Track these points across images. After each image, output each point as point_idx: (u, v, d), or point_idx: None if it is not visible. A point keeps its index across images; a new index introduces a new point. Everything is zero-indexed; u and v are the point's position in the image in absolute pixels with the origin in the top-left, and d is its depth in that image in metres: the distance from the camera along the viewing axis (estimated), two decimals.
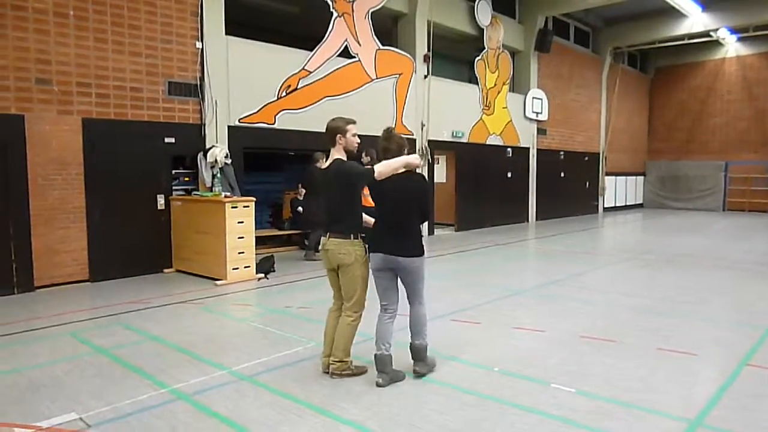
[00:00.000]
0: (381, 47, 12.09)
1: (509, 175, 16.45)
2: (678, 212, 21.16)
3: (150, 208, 8.61)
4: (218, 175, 8.88)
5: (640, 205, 23.58)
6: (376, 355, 4.15)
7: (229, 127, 9.48)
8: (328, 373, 4.32)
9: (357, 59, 11.57)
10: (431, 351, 4.38)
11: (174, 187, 8.97)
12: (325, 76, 10.95)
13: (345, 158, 4.28)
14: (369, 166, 4.18)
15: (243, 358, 4.74)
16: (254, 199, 8.36)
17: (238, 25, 9.81)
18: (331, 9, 10.94)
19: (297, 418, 3.62)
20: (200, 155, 9.01)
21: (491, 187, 15.63)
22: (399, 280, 4.26)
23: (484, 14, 14.67)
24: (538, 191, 17.58)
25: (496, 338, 5.39)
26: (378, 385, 4.10)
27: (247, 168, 10.06)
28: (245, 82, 9.67)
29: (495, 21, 15.18)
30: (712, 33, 18.78)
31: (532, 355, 4.84)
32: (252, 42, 9.86)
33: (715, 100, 21.83)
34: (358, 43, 11.54)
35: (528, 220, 17.37)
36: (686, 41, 19.32)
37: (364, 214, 4.35)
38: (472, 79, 15.18)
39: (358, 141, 4.31)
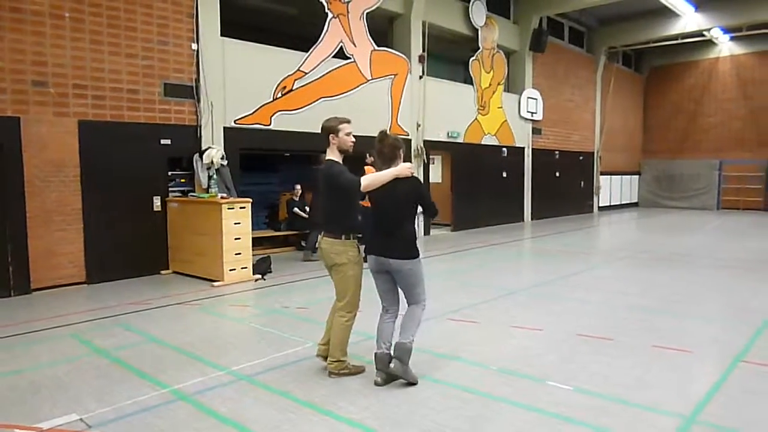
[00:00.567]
0: (376, 48, 12.13)
1: (504, 174, 16.52)
2: (673, 211, 21.28)
3: (146, 210, 8.62)
4: (214, 176, 8.88)
5: (635, 204, 23.70)
6: (375, 354, 4.18)
7: (225, 128, 9.50)
8: (322, 357, 4.41)
9: (352, 60, 11.60)
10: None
11: (170, 189, 8.97)
12: (320, 77, 10.98)
13: (339, 158, 4.29)
14: (358, 175, 4.14)
15: (242, 359, 4.76)
16: (251, 200, 8.38)
17: (234, 25, 9.82)
18: (327, 10, 10.96)
19: (297, 417, 3.64)
20: (196, 156, 9.02)
21: (487, 187, 15.69)
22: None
23: (479, 15, 14.73)
24: (533, 191, 17.65)
25: (494, 337, 5.43)
26: (376, 383, 4.13)
27: (242, 169, 10.08)
28: (241, 83, 9.69)
29: (490, 21, 15.24)
30: (705, 32, 18.93)
31: (529, 354, 4.88)
32: (247, 43, 9.88)
33: (710, 100, 21.98)
34: (353, 43, 11.57)
35: (523, 220, 17.43)
36: (680, 41, 19.45)
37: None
38: (467, 80, 15.23)
39: (353, 140, 4.30)
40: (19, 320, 6.09)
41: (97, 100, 7.95)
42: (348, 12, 11.37)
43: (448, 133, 14.32)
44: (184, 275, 8.54)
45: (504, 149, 16.43)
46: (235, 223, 8.03)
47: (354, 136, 4.33)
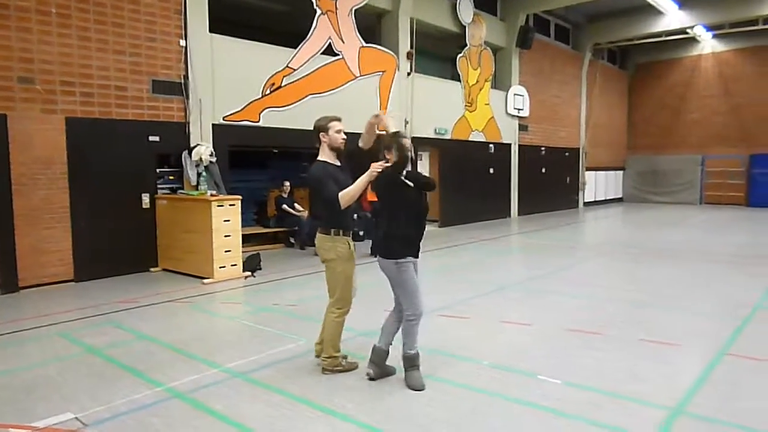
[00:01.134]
0: (364, 44, 12.13)
1: (492, 170, 16.62)
2: (657, 206, 21.55)
3: (135, 207, 8.57)
4: (203, 173, 8.86)
5: (620, 200, 23.96)
6: (373, 346, 4.22)
7: (213, 125, 9.46)
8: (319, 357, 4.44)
9: (341, 57, 11.60)
10: (420, 350, 4.17)
11: (159, 186, 8.93)
12: (309, 74, 10.96)
13: (332, 157, 4.30)
14: (337, 191, 4.07)
15: (236, 356, 4.78)
16: (240, 197, 8.36)
17: (223, 22, 9.78)
18: (315, 6, 10.95)
19: (293, 414, 3.68)
20: (185, 153, 8.98)
21: (474, 183, 15.78)
22: None
23: (467, 11, 14.79)
24: (520, 187, 17.78)
25: (485, 332, 5.50)
26: (368, 375, 4.16)
27: (231, 166, 10.05)
28: (230, 80, 9.66)
29: (477, 18, 15.31)
30: (688, 30, 19.15)
31: (520, 349, 4.96)
32: (236, 40, 9.84)
33: (693, 96, 22.26)
34: (342, 40, 11.57)
35: (510, 215, 17.56)
36: (664, 38, 19.68)
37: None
38: (455, 76, 15.29)
39: (344, 137, 4.30)
40: (7, 319, 6.04)
41: (85, 97, 7.89)
42: (336, 8, 11.36)
43: (435, 130, 14.38)
44: (174, 273, 8.51)
45: (491, 145, 16.53)
46: (225, 221, 8.02)
47: (345, 133, 4.34)
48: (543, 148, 18.88)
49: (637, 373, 4.36)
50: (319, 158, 4.29)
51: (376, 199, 4.29)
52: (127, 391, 4.04)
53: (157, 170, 8.91)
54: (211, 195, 8.28)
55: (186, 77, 8.98)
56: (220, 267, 8.00)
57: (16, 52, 7.22)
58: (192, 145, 9.02)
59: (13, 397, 3.99)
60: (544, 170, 18.92)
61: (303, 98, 10.84)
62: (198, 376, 4.33)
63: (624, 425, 3.46)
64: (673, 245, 11.39)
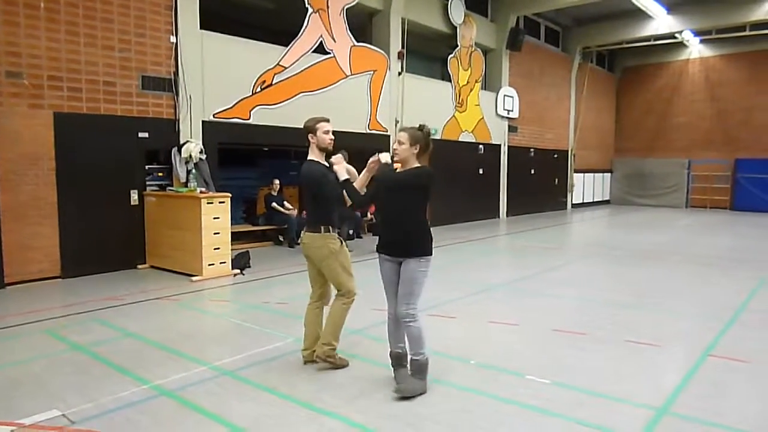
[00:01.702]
0: (355, 44, 12.13)
1: (481, 171, 16.69)
2: (643, 209, 21.74)
3: (123, 204, 8.51)
4: (193, 170, 8.83)
5: (607, 202, 24.15)
6: (390, 352, 4.15)
7: (203, 122, 9.42)
8: (312, 361, 4.43)
9: (332, 55, 11.59)
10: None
11: (148, 183, 8.87)
12: (300, 72, 10.94)
13: (320, 157, 4.37)
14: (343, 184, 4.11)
15: (224, 354, 4.77)
16: (230, 194, 8.33)
17: (214, 18, 9.74)
18: (307, 5, 10.93)
19: (282, 412, 3.68)
20: (174, 150, 8.93)
21: (463, 184, 15.82)
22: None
23: (458, 12, 14.84)
24: (509, 188, 17.87)
25: (472, 332, 5.54)
26: (397, 392, 3.89)
27: (220, 163, 10.01)
28: (220, 77, 9.61)
29: (468, 19, 15.36)
30: (676, 35, 19.34)
31: (507, 348, 4.99)
32: (227, 37, 9.80)
33: (680, 100, 22.48)
34: (333, 39, 11.56)
35: (499, 216, 17.65)
36: (652, 42, 19.88)
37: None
38: (445, 77, 15.34)
39: (332, 138, 4.39)
40: None
41: (73, 92, 7.82)
42: (328, 7, 11.35)
43: None
44: (162, 270, 8.47)
45: (481, 146, 16.59)
46: (214, 218, 7.99)
47: (333, 132, 4.41)
48: (532, 150, 18.98)
49: (622, 373, 4.41)
50: (309, 158, 4.36)
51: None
52: (114, 389, 4.01)
53: (146, 167, 8.86)
54: (201, 192, 8.24)
55: (176, 74, 8.94)
56: (209, 264, 7.96)
57: (3, 45, 7.14)
58: (182, 141, 8.98)
59: None
60: (533, 171, 19.03)
61: (294, 96, 10.82)
62: (186, 374, 4.31)
63: (610, 425, 3.50)
64: (659, 248, 11.50)
